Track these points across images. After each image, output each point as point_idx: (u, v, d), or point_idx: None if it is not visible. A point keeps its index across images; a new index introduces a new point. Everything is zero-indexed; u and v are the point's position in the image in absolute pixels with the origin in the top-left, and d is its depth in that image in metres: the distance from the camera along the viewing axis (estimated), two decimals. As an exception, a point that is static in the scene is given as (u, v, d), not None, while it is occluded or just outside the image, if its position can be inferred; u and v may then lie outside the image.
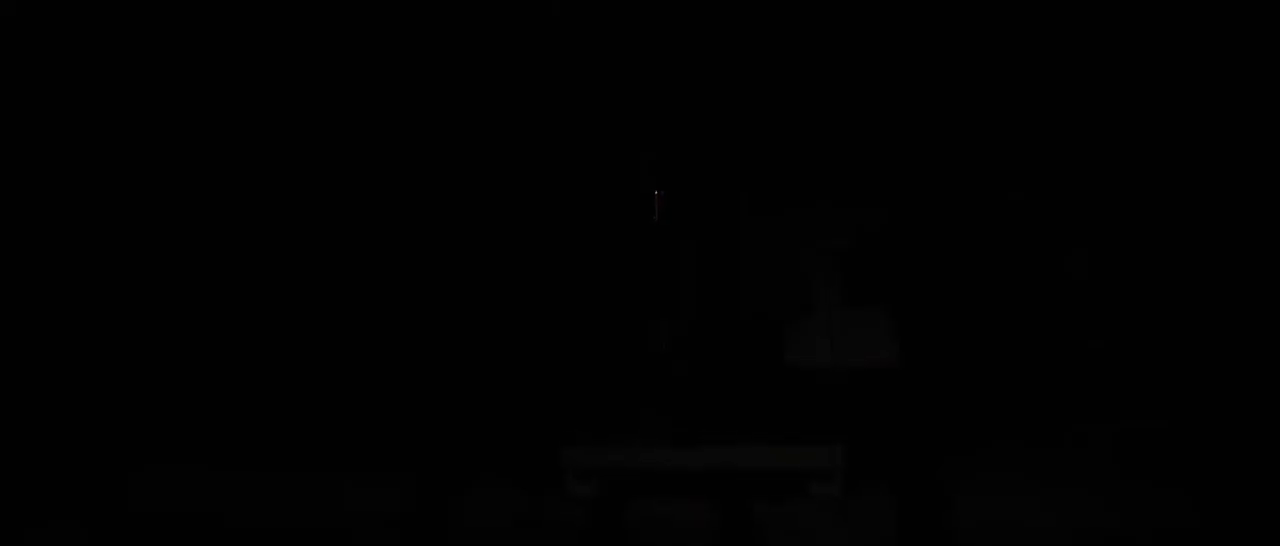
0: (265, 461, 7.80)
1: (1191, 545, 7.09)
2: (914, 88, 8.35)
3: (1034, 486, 7.53)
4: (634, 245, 7.83)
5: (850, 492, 7.43)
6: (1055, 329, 8.43)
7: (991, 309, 8.41)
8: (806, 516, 7.29)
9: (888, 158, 8.36)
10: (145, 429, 8.07)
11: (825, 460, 7.40)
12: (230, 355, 8.35)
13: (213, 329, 8.39)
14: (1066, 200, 8.46)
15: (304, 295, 8.37)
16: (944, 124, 8.39)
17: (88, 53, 8.28)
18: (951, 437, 7.95)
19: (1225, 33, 8.25)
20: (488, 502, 7.40)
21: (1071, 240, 8.48)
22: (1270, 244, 8.33)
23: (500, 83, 8.30)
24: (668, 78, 8.14)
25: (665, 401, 7.63)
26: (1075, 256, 8.47)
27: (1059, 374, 8.37)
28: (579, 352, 7.84)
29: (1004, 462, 7.75)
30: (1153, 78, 8.34)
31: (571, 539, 7.23)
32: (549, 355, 8.02)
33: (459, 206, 8.34)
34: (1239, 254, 8.38)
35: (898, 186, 8.36)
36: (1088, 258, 8.47)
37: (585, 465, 7.47)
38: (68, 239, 8.32)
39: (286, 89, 8.35)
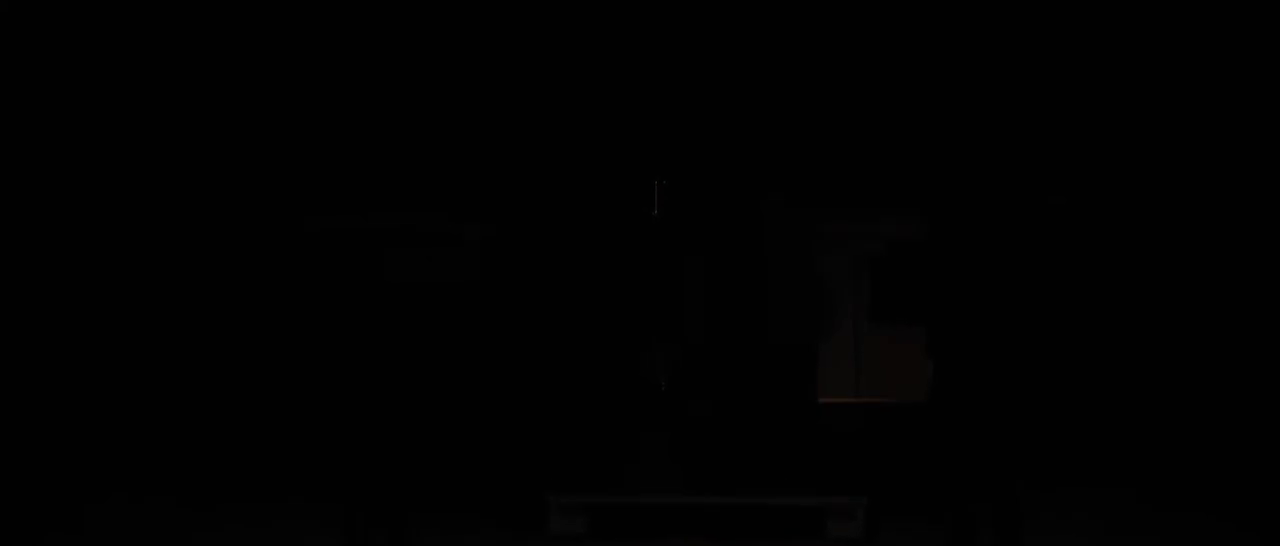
0: (219, 493, 7.60)
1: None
2: (948, 77, 7.93)
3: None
4: (630, 250, 7.21)
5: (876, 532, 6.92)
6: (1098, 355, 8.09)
7: (1032, 332, 7.93)
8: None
9: (923, 156, 7.96)
10: (86, 467, 7.90)
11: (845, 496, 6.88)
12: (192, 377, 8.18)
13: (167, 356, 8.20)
14: (1114, 207, 8.05)
15: (251, 311, 8.16)
16: (986, 113, 7.95)
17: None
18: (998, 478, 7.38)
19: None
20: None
21: (1115, 249, 8.07)
22: None
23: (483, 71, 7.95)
24: (673, 60, 7.68)
25: (663, 433, 7.07)
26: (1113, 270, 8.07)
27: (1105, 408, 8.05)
28: (565, 376, 7.29)
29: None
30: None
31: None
32: (530, 377, 7.57)
33: (430, 203, 7.95)
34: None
35: (935, 187, 7.86)
36: (1131, 274, 8.09)
37: (572, 501, 6.93)
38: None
39: (277, 93, 8.11)
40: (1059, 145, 7.96)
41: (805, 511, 6.86)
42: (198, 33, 8.05)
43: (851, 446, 7.07)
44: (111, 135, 8.09)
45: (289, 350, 8.08)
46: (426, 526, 6.99)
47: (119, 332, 8.12)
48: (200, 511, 7.32)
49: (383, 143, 8.01)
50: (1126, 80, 7.97)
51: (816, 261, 7.37)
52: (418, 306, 7.73)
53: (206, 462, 7.89)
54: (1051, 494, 7.44)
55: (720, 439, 7.01)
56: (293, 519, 7.09)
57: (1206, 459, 7.87)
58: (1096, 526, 6.97)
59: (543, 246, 7.42)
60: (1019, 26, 7.86)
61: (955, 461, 7.22)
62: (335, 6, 7.96)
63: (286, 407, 8.01)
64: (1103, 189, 7.97)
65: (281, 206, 7.99)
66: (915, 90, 7.87)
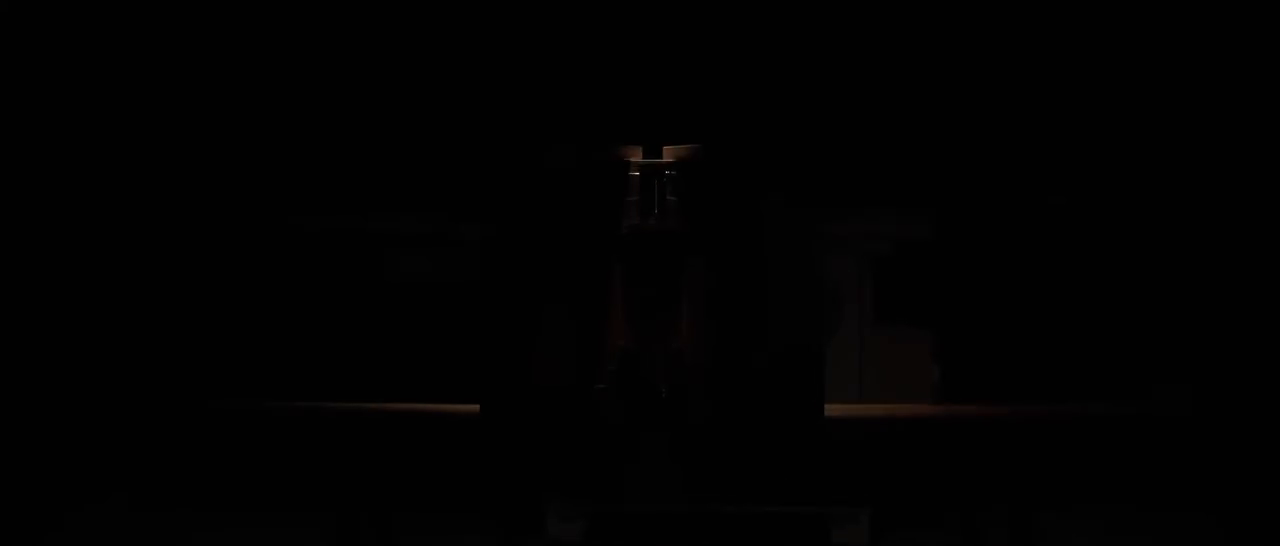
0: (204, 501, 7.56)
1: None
2: (952, 77, 7.81)
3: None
4: (631, 250, 7.11)
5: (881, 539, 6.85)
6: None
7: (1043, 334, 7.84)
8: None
9: (931, 155, 7.84)
10: (67, 472, 7.80)
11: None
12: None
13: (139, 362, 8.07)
14: (1112, 208, 7.92)
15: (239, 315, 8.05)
16: (995, 112, 7.84)
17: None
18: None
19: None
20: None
21: (1123, 253, 7.91)
22: None
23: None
24: (676, 59, 7.61)
25: (663, 438, 6.96)
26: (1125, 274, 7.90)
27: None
28: (564, 379, 7.16)
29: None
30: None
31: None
32: (528, 379, 7.33)
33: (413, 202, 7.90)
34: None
35: (944, 186, 7.83)
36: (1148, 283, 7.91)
37: (570, 508, 6.89)
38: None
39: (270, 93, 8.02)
40: (1060, 146, 7.86)
41: (808, 519, 6.80)
42: (198, 35, 8.02)
43: (855, 453, 7.00)
44: (113, 139, 8.05)
45: (287, 351, 8.00)
46: (423, 529, 6.95)
47: (112, 336, 8.07)
48: (197, 514, 7.28)
49: (382, 143, 7.96)
50: (1125, 83, 7.88)
51: (819, 262, 7.29)
52: (416, 307, 7.67)
53: (201, 468, 7.86)
54: (1053, 503, 7.43)
55: (721, 445, 6.93)
56: (286, 528, 7.07)
57: (1206, 460, 7.81)
58: (1096, 526, 6.94)
59: (543, 246, 7.33)
60: (1022, 28, 7.79)
61: (963, 468, 7.16)
62: (335, 7, 7.91)
63: (279, 409, 7.91)
64: (1102, 190, 7.89)
65: (280, 207, 7.94)
66: (919, 90, 7.79)
